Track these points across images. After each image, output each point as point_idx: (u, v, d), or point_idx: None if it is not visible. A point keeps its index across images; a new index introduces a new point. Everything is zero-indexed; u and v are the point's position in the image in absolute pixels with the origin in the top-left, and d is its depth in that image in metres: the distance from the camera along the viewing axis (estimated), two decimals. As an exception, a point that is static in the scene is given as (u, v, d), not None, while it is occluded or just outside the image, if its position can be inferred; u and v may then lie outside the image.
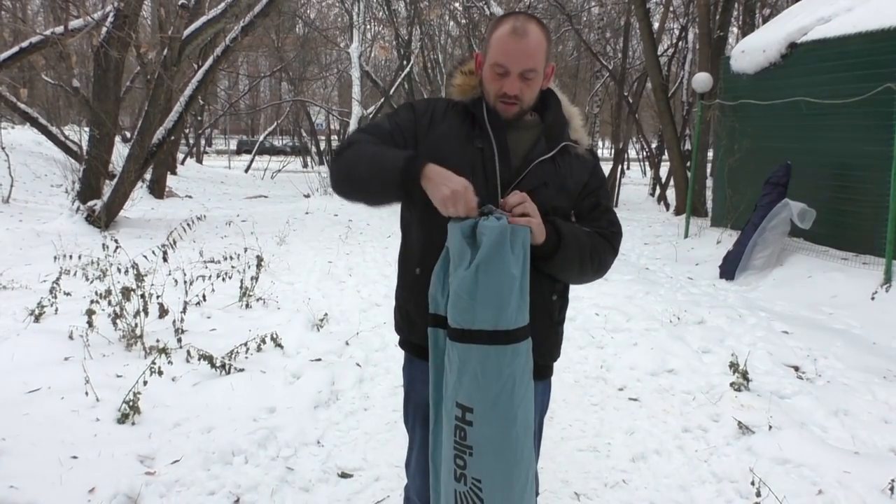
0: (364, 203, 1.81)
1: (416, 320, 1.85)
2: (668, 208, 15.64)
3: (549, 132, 1.84)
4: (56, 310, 4.92)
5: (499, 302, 1.60)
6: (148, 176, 13.95)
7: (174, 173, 19.50)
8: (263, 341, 4.47)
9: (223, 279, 5.71)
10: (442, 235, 1.70)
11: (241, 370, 4.11)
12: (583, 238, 1.79)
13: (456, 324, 1.64)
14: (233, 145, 40.48)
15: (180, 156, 23.75)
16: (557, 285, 1.87)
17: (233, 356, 4.18)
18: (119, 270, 4.91)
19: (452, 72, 1.94)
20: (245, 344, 4.34)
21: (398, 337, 2.00)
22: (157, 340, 4.32)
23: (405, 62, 20.66)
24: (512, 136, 1.81)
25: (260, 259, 6.02)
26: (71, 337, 4.34)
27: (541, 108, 1.87)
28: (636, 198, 19.71)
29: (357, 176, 1.74)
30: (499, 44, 1.74)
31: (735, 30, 17.56)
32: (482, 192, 1.69)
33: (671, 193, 15.27)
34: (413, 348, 1.92)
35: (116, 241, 4.93)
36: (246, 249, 6.77)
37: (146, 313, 4.50)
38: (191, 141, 27.77)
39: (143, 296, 4.51)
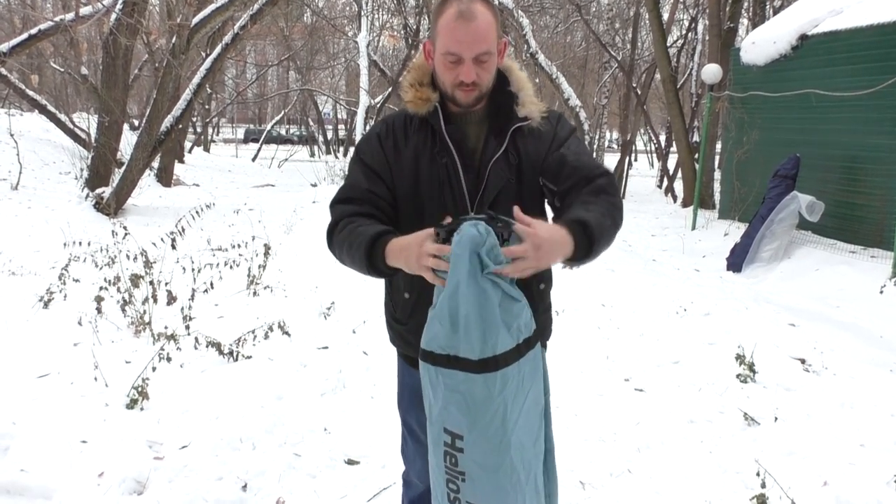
0: None
1: (414, 343, 1.80)
2: (675, 200, 15.58)
3: (493, 123, 1.79)
4: (65, 296, 4.95)
5: (481, 330, 1.49)
6: (155, 164, 13.97)
7: (182, 161, 19.52)
8: (271, 329, 4.49)
9: (231, 267, 5.73)
10: None
11: (249, 357, 4.13)
12: (599, 217, 1.61)
13: (441, 349, 1.55)
14: (240, 134, 40.48)
15: (188, 144, 23.77)
16: (544, 274, 1.84)
17: (240, 343, 4.21)
18: (128, 257, 4.93)
19: (400, 86, 1.86)
20: (253, 331, 4.35)
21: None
22: (166, 327, 4.35)
23: (413, 51, 20.60)
24: (472, 134, 1.78)
25: (267, 247, 6.03)
26: (80, 323, 4.38)
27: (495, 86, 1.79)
28: (643, 189, 19.64)
29: (348, 264, 1.74)
30: (447, 31, 1.67)
31: (745, 21, 17.42)
32: (451, 207, 1.70)
33: (679, 185, 15.22)
34: (415, 362, 1.86)
35: (125, 228, 4.95)
36: (254, 238, 6.78)
37: (155, 300, 4.53)
38: (198, 129, 27.79)
39: (151, 283, 4.54)
